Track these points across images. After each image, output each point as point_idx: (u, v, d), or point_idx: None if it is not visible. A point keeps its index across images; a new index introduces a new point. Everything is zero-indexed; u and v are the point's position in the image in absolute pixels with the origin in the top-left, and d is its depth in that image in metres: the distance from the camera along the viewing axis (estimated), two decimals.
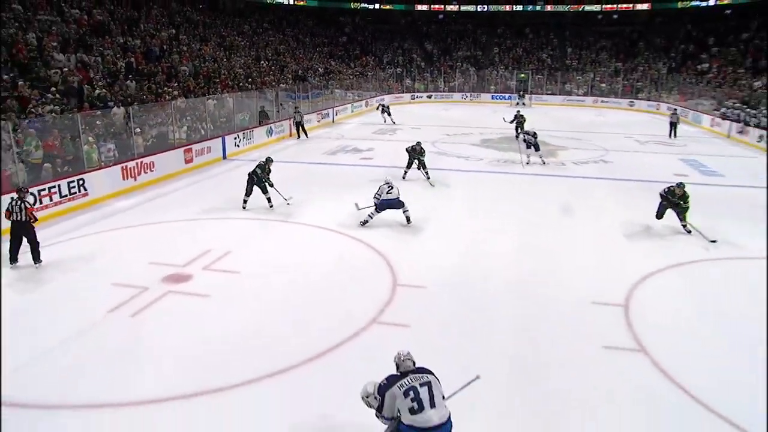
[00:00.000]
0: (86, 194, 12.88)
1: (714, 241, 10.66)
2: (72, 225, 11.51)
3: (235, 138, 19.87)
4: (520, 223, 11.89)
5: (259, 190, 12.46)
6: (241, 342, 6.99)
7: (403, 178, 15.51)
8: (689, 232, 11.18)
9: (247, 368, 6.38)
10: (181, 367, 6.44)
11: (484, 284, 8.80)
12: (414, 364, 4.64)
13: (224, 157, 18.97)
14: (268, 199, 12.56)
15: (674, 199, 11.22)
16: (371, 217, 11.32)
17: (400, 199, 11.28)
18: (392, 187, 11.34)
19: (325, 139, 23.82)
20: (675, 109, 28.01)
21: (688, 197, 11.18)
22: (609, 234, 11.33)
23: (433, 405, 4.28)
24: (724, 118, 26.84)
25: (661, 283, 8.94)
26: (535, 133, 18.37)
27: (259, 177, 12.34)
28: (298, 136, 23.84)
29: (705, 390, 6.08)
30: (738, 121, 25.18)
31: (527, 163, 18.14)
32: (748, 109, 25.17)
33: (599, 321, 7.63)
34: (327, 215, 12.20)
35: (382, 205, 11.25)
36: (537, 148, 18.07)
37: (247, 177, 12.46)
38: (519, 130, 22.55)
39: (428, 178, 15.29)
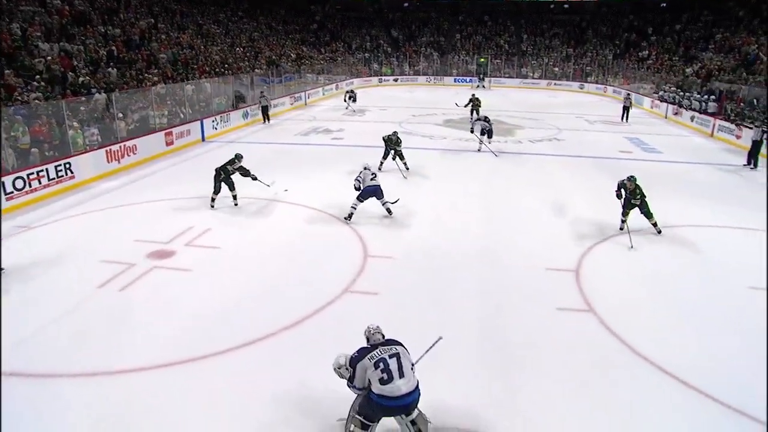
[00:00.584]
0: (73, 177, 12.55)
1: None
2: (60, 206, 11.23)
3: (213, 121, 19.51)
4: (481, 198, 12.01)
5: (227, 188, 11.04)
6: (222, 312, 6.98)
7: (379, 169, 13.89)
8: (660, 232, 9.90)
9: (229, 337, 6.39)
10: (167, 337, 6.41)
11: (448, 254, 8.90)
12: (383, 336, 4.63)
13: (203, 139, 18.64)
14: (234, 197, 11.19)
15: (626, 194, 9.70)
16: (354, 209, 10.23)
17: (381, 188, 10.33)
18: (375, 175, 10.34)
19: (298, 121, 23.54)
20: (628, 94, 26.96)
21: (638, 192, 9.52)
22: (562, 206, 11.52)
23: (401, 375, 4.26)
24: (662, 101, 27.31)
25: (608, 250, 9.17)
26: (488, 118, 17.24)
27: (228, 173, 10.88)
28: (264, 121, 22.68)
29: (644, 343, 6.34)
30: (673, 104, 25.68)
31: (479, 150, 17.01)
32: (681, 93, 25.68)
33: (552, 285, 7.80)
34: (301, 192, 12.13)
35: (365, 193, 10.11)
36: (490, 135, 16.87)
37: (214, 173, 10.89)
38: (474, 114, 22.05)
39: (407, 169, 14.20)
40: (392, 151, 14.00)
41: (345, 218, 10.26)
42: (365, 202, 10.26)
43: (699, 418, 5.21)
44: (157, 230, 9.66)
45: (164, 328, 6.60)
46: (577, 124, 23.66)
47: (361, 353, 4.44)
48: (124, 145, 14.53)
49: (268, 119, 22.81)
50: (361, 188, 10.14)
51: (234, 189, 11.15)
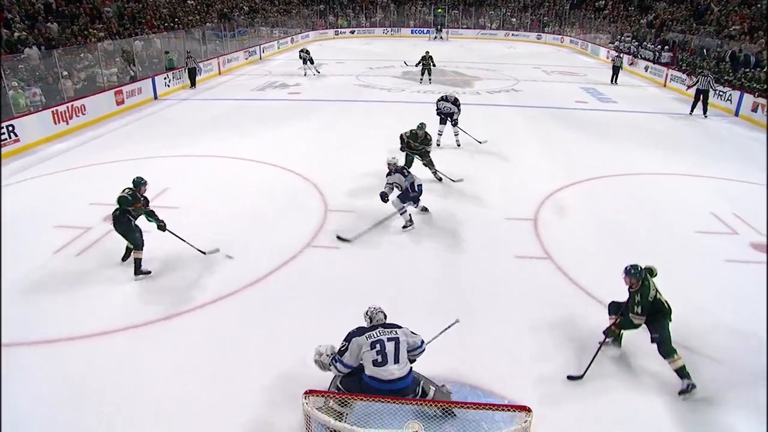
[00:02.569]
0: (17, 140, 12.02)
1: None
2: (7, 171, 10.79)
3: (165, 78, 18.85)
4: (441, 150, 12.10)
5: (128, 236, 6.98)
6: (183, 272, 6.97)
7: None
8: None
9: (192, 296, 6.41)
10: (129, 300, 6.38)
11: (410, 206, 9.01)
12: (385, 317, 4.47)
13: (155, 98, 18.02)
14: (127, 250, 7.13)
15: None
16: (404, 211, 8.18)
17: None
18: (408, 173, 8.12)
19: (253, 76, 22.96)
20: (619, 52, 24.47)
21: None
22: (519, 157, 11.74)
23: (396, 360, 4.13)
24: (617, 51, 27.65)
25: (564, 198, 9.44)
26: (456, 100, 12.12)
27: (133, 215, 6.84)
28: (191, 86, 19.93)
29: (596, 285, 6.67)
30: (629, 53, 26.01)
31: (438, 145, 12.17)
32: (636, 43, 25.99)
33: (512, 234, 8.03)
34: (258, 149, 12.01)
35: (405, 197, 8.08)
36: (455, 123, 12.18)
37: (112, 220, 6.86)
38: (426, 74, 20.71)
39: (439, 178, 10.15)
40: (418, 156, 9.85)
41: (404, 226, 8.22)
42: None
43: (645, 351, 5.56)
44: (112, 192, 9.24)
45: (125, 292, 6.56)
46: (535, 75, 23.81)
47: (360, 330, 4.28)
48: (72, 106, 13.94)
49: (194, 84, 20.03)
50: (402, 190, 8.02)
51: (137, 240, 6.85)
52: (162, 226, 7.02)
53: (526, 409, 3.43)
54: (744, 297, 6.55)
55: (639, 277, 4.93)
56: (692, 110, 16.25)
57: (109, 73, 16.52)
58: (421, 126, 9.64)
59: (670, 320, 5.03)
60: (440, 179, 9.99)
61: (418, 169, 9.55)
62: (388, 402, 3.79)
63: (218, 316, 6.12)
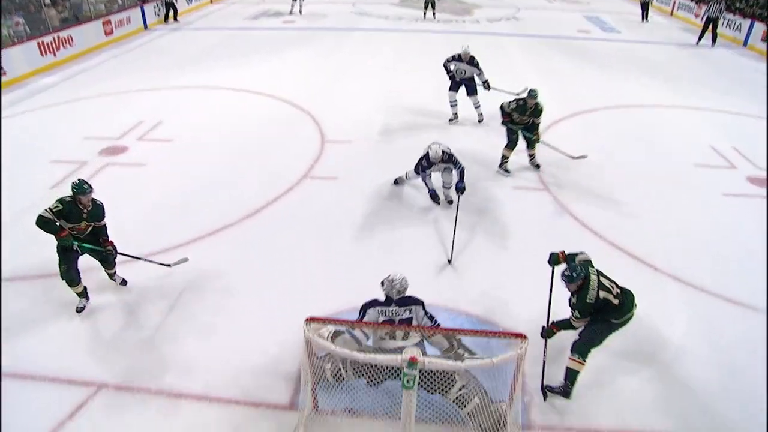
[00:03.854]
0: (5, 73, 11.68)
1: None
2: None
3: (155, 6, 18.12)
4: (438, 78, 11.82)
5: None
6: (181, 205, 6.96)
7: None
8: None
9: (190, 229, 6.42)
10: (127, 233, 6.38)
11: (405, 135, 8.96)
12: (402, 291, 4.08)
13: (145, 27, 17.43)
14: (112, 274, 5.51)
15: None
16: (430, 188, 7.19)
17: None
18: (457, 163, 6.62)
19: (246, 5, 22.15)
20: None
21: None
22: (519, 84, 11.49)
23: (404, 339, 3.98)
24: None
25: (564, 129, 9.34)
26: (472, 58, 9.09)
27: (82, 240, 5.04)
28: (166, 20, 18.29)
29: (592, 217, 6.73)
30: None
31: (454, 120, 9.74)
32: None
33: (509, 165, 7.97)
34: (253, 79, 11.76)
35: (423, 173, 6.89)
36: (474, 91, 9.39)
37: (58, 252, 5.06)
38: (429, 7, 19.08)
39: (536, 165, 8.02)
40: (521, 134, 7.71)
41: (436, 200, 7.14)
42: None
43: (637, 280, 5.67)
44: (106, 126, 9.31)
45: (123, 225, 6.54)
46: (537, 3, 23.01)
47: (373, 303, 4.07)
48: (58, 36, 13.49)
49: (175, 18, 18.47)
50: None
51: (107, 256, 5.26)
52: (109, 253, 5.13)
53: (521, 336, 3.52)
54: (740, 230, 6.61)
55: (577, 279, 4.10)
56: (699, 39, 15.82)
57: (96, 1, 15.90)
58: (532, 93, 7.32)
59: (620, 324, 4.28)
60: (538, 166, 7.88)
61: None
62: (387, 328, 3.90)
63: (216, 248, 6.16)
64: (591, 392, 4.38)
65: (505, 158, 7.80)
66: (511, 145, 7.70)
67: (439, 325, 4.16)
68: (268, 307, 5.22)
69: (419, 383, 3.45)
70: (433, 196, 7.02)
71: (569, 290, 4.20)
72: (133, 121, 9.48)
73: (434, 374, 3.61)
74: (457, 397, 3.85)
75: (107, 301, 5.32)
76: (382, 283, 4.08)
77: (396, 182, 7.44)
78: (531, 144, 7.77)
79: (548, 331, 4.39)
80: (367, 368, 3.73)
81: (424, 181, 7.01)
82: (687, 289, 5.58)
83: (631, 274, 5.56)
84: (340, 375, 4.02)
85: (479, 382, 3.91)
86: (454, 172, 6.64)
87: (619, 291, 4.23)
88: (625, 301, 4.22)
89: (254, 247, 6.17)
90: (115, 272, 5.45)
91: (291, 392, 4.35)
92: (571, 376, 4.26)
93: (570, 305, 4.23)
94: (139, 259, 5.47)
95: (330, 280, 5.60)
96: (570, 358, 4.27)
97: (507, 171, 7.79)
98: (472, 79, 9.23)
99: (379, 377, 3.76)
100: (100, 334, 4.94)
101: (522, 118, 7.48)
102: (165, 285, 5.56)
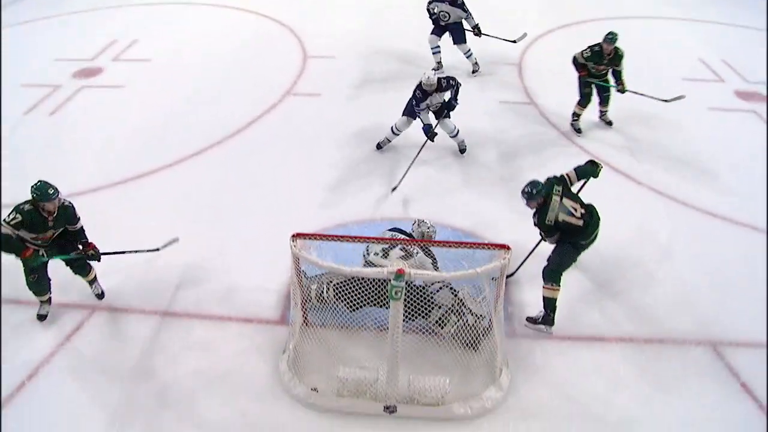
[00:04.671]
0: None
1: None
2: None
3: None
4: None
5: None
6: (163, 126, 6.84)
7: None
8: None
9: (173, 150, 6.35)
10: (109, 157, 6.31)
11: (389, 50, 8.69)
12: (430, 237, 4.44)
13: None
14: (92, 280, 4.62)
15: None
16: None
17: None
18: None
19: None
20: None
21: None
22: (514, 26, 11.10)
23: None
24: None
25: (550, 42, 9.10)
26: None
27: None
28: None
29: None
30: None
31: (437, 68, 8.08)
32: None
33: (496, 79, 7.85)
34: None
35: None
36: (460, 39, 7.89)
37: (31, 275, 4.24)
38: None
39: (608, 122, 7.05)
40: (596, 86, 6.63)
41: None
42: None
43: (619, 193, 5.77)
44: (78, 47, 8.90)
45: (105, 149, 6.46)
46: None
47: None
48: None
49: None
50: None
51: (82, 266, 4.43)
52: (94, 255, 4.22)
53: (505, 247, 3.60)
54: (723, 144, 6.64)
55: (536, 197, 4.07)
56: None
57: None
58: (610, 37, 6.26)
59: (586, 245, 4.27)
60: (610, 123, 6.94)
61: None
62: (372, 241, 3.97)
63: (200, 169, 6.13)
64: (572, 302, 4.54)
65: (576, 116, 6.74)
66: (584, 101, 6.60)
67: (435, 260, 4.20)
68: (255, 226, 5.27)
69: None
70: (427, 131, 5.97)
71: (529, 208, 4.17)
72: (106, 41, 9.08)
73: (414, 303, 3.70)
74: (438, 320, 4.00)
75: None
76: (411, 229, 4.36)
77: (378, 146, 6.38)
78: (606, 100, 6.70)
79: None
80: (347, 293, 3.82)
81: (419, 116, 6.03)
82: (669, 203, 5.67)
83: (613, 187, 5.64)
84: (322, 297, 4.13)
85: (460, 303, 4.02)
86: (450, 121, 6.04)
87: (584, 211, 4.15)
88: (590, 222, 4.16)
89: (239, 166, 6.15)
90: (95, 278, 4.53)
91: (282, 308, 4.48)
92: (549, 304, 4.24)
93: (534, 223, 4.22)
94: (125, 252, 4.38)
95: (316, 197, 5.64)
96: (544, 287, 4.27)
97: (579, 130, 6.72)
98: (459, 24, 7.74)
99: (358, 302, 3.83)
100: None
101: (599, 68, 6.41)
102: (150, 200, 5.57)
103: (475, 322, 3.95)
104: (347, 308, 3.94)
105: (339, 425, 3.68)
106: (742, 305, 4.57)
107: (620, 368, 4.08)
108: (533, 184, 4.08)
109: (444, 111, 6.00)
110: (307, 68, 8.17)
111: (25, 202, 3.91)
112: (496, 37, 7.78)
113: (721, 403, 3.87)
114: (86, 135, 6.73)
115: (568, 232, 4.13)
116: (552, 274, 4.23)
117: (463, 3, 7.53)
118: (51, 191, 3.85)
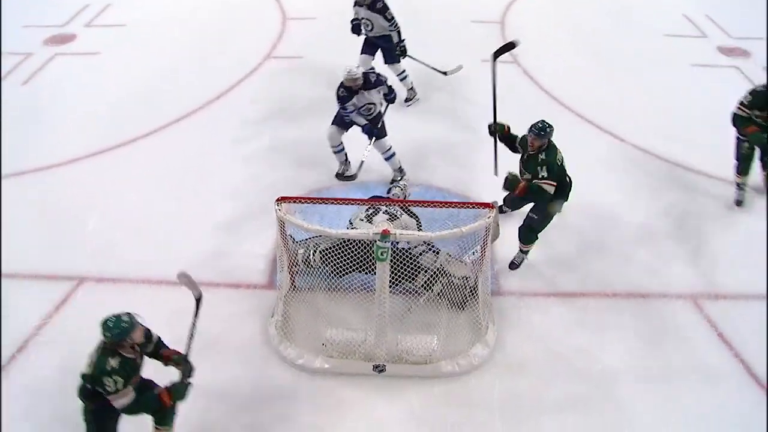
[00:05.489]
0: None
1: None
2: None
3: None
4: None
5: None
6: (142, 94, 6.68)
7: None
8: None
9: (154, 117, 6.24)
10: (88, 125, 6.17)
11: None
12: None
13: None
14: None
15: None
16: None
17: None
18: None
19: None
20: None
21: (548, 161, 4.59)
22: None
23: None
24: None
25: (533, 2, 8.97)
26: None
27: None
28: None
29: (560, 89, 6.75)
30: None
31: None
32: None
33: (478, 38, 7.73)
34: None
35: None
36: (393, 58, 6.40)
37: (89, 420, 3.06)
38: None
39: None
40: None
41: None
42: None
43: (600, 150, 5.82)
44: (48, 12, 8.54)
45: (83, 118, 6.30)
46: None
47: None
48: None
49: None
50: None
51: None
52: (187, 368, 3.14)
53: (489, 206, 3.63)
54: (705, 99, 6.64)
55: (550, 134, 3.90)
56: None
57: None
58: None
59: (560, 205, 4.19)
60: None
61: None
62: (356, 203, 3.99)
63: (183, 135, 6.06)
64: (556, 259, 4.62)
65: (741, 186, 5.15)
66: (745, 166, 5.02)
67: (419, 221, 4.20)
68: (240, 191, 5.25)
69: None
70: (369, 130, 5.08)
71: (533, 146, 3.95)
72: (78, 5, 8.73)
73: (400, 266, 3.69)
74: (424, 283, 4.04)
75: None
76: (389, 191, 4.28)
77: (340, 176, 5.42)
78: None
79: (499, 126, 4.23)
80: (334, 259, 3.83)
81: (352, 121, 5.09)
82: (651, 159, 5.72)
83: (595, 144, 5.68)
84: (309, 262, 4.14)
85: (445, 265, 4.05)
86: (386, 140, 5.15)
87: None
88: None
89: (222, 131, 6.07)
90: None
91: (269, 273, 4.50)
92: (525, 254, 4.40)
93: (527, 167, 4.04)
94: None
95: (301, 160, 5.60)
96: (522, 246, 4.38)
97: (740, 203, 5.19)
98: (388, 38, 6.17)
99: (345, 268, 3.83)
100: (74, 230, 4.93)
101: (764, 115, 4.74)
102: (134, 167, 5.53)
103: (462, 282, 4.00)
104: (334, 274, 3.95)
105: (330, 385, 3.74)
106: (719, 259, 4.68)
107: (603, 323, 4.18)
108: (543, 121, 3.89)
109: (379, 120, 5.10)
110: (287, 30, 8.02)
111: (103, 356, 2.77)
112: (425, 64, 6.43)
113: (699, 354, 3.99)
114: (63, 104, 6.55)
115: (559, 190, 4.03)
116: (533, 235, 4.28)
117: (386, 9, 6.04)
118: (130, 322, 2.81)
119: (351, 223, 4.13)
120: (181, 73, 7.07)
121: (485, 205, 3.65)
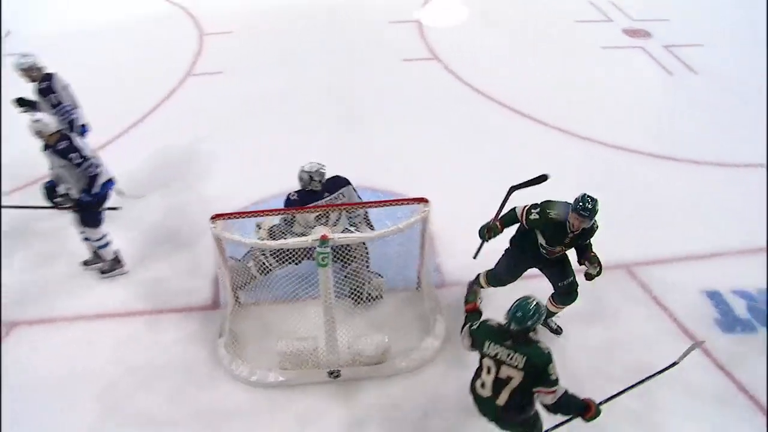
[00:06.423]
0: None
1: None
2: None
3: None
4: None
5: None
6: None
7: None
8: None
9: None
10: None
11: (290, 17, 8.50)
12: (324, 175, 4.03)
13: None
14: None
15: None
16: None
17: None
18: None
19: None
20: None
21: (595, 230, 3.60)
22: None
23: (335, 225, 4.05)
24: None
25: None
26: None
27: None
28: None
29: (487, 83, 6.89)
30: None
31: None
32: None
33: (397, 37, 7.89)
34: None
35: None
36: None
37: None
38: None
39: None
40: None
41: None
42: None
43: (526, 135, 6.03)
44: None
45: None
46: None
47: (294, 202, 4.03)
48: None
49: None
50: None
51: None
52: None
53: (423, 201, 3.72)
54: (618, 79, 7.07)
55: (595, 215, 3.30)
56: None
57: None
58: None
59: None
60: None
61: None
62: (300, 212, 3.96)
63: (108, 159, 5.79)
64: (493, 247, 4.70)
65: None
66: None
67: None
68: (175, 212, 5.13)
69: (336, 258, 3.64)
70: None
71: (575, 228, 3.35)
72: None
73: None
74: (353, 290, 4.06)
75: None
76: (300, 178, 3.99)
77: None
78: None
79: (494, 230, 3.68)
80: (289, 253, 3.82)
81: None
82: (573, 140, 5.97)
83: (521, 130, 5.88)
84: (266, 267, 4.07)
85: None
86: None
87: None
88: None
89: (148, 151, 5.89)
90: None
91: (212, 292, 4.41)
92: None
93: (560, 244, 3.54)
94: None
95: (233, 175, 5.53)
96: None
97: None
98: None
99: (301, 256, 3.85)
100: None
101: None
102: None
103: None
104: (294, 264, 3.89)
105: (287, 398, 3.72)
106: (644, 227, 4.95)
107: (545, 301, 4.31)
108: (589, 198, 3.27)
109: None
110: (205, 46, 7.89)
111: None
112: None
113: (637, 318, 4.22)
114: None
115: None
116: (575, 294, 3.84)
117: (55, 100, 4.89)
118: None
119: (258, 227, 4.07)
120: (102, 97, 6.55)
121: (419, 200, 3.73)
